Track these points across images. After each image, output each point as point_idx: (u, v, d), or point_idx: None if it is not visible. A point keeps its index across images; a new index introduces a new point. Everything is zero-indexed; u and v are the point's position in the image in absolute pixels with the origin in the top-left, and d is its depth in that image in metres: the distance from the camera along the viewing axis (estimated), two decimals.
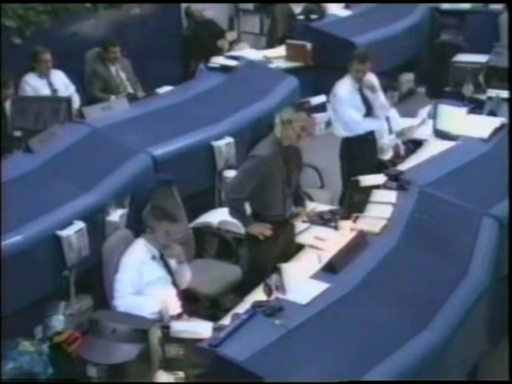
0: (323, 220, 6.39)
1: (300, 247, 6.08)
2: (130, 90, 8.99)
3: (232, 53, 9.95)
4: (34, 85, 8.39)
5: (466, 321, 5.34)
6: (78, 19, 9.53)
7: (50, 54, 8.43)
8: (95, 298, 6.04)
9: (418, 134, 7.99)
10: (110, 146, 7.06)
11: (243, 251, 6.48)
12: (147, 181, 6.52)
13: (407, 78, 10.94)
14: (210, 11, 11.34)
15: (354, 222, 6.17)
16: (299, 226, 6.27)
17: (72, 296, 5.99)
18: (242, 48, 10.68)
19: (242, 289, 5.99)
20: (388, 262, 5.63)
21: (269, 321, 4.88)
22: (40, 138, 6.85)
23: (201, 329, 5.16)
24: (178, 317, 5.53)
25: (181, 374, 4.86)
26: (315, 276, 5.44)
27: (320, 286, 5.27)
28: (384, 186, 6.58)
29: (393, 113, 8.20)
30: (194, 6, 11.19)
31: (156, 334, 4.91)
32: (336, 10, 11.07)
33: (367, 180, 6.71)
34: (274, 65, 9.70)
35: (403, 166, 7.00)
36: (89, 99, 8.75)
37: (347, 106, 7.68)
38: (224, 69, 8.88)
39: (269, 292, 5.21)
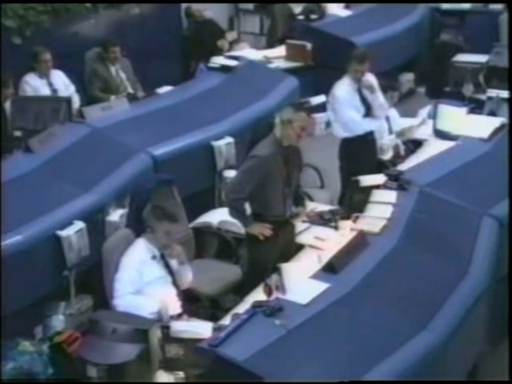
0: (323, 220, 6.39)
1: (300, 247, 6.08)
2: (130, 90, 8.99)
3: (232, 53, 9.95)
4: (34, 85, 8.39)
5: (466, 321, 5.34)
6: (77, 19, 9.53)
7: (50, 54, 8.43)
8: (95, 298, 6.04)
9: (418, 134, 7.99)
10: (110, 146, 7.06)
11: (243, 251, 6.48)
12: (147, 181, 6.52)
13: (407, 78, 10.94)
14: (210, 11, 11.34)
15: (354, 221, 6.17)
16: (299, 226, 6.27)
17: (72, 296, 5.98)
18: (242, 48, 10.69)
19: (242, 289, 5.99)
20: (388, 262, 5.63)
21: (269, 321, 4.88)
22: (40, 138, 6.85)
23: (201, 329, 5.16)
24: (178, 317, 5.54)
25: (181, 374, 4.86)
26: (315, 276, 5.44)
27: (320, 286, 5.27)
28: (384, 186, 6.58)
29: (393, 113, 8.19)
30: (194, 6, 11.19)
31: (156, 334, 4.92)
32: (336, 9, 11.07)
33: (367, 180, 6.71)
34: (274, 65, 9.70)
35: (403, 166, 7.00)
36: (89, 99, 8.75)
37: (346, 107, 7.68)
38: (224, 69, 8.88)
39: (269, 292, 5.21)
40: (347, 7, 11.26)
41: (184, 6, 11.15)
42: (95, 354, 4.80)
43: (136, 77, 9.21)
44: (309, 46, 9.95)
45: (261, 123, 7.63)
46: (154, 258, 5.64)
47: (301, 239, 6.19)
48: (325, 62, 9.65)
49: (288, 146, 6.03)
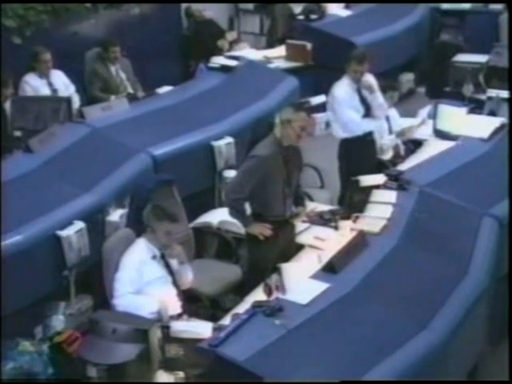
0: (323, 220, 6.39)
1: (300, 247, 6.08)
2: (130, 90, 8.99)
3: (232, 53, 9.95)
4: (34, 85, 8.39)
5: (466, 321, 5.34)
6: (77, 19, 9.53)
7: (50, 54, 8.43)
8: (95, 297, 6.04)
9: (418, 134, 7.99)
10: (110, 146, 7.06)
11: (243, 251, 6.48)
12: (147, 181, 6.53)
13: (407, 78, 10.94)
14: (210, 11, 11.34)
15: (354, 222, 6.17)
16: (299, 226, 6.27)
17: (72, 296, 5.99)
18: (242, 48, 10.68)
19: (242, 289, 5.99)
20: (388, 262, 5.63)
21: (269, 321, 4.88)
22: (40, 138, 6.85)
23: (201, 329, 5.16)
24: (178, 317, 5.54)
25: (181, 374, 4.86)
26: (315, 276, 5.44)
27: (320, 286, 5.27)
28: (384, 186, 6.58)
29: (393, 113, 8.19)
30: (194, 6, 11.19)
31: (156, 334, 4.91)
32: (336, 9, 11.07)
33: (367, 180, 6.71)
34: (274, 65, 9.70)
35: (403, 166, 7.00)
36: (89, 99, 8.75)
37: (346, 107, 7.67)
38: (224, 69, 8.88)
39: (269, 292, 5.22)
40: (347, 7, 11.27)
41: (184, 5, 11.15)
42: (95, 354, 4.79)
43: (136, 77, 9.21)
44: (309, 46, 9.95)
45: (261, 123, 7.63)
46: (154, 257, 5.64)
47: (301, 239, 6.19)
48: (325, 62, 9.64)
49: (288, 146, 6.02)
